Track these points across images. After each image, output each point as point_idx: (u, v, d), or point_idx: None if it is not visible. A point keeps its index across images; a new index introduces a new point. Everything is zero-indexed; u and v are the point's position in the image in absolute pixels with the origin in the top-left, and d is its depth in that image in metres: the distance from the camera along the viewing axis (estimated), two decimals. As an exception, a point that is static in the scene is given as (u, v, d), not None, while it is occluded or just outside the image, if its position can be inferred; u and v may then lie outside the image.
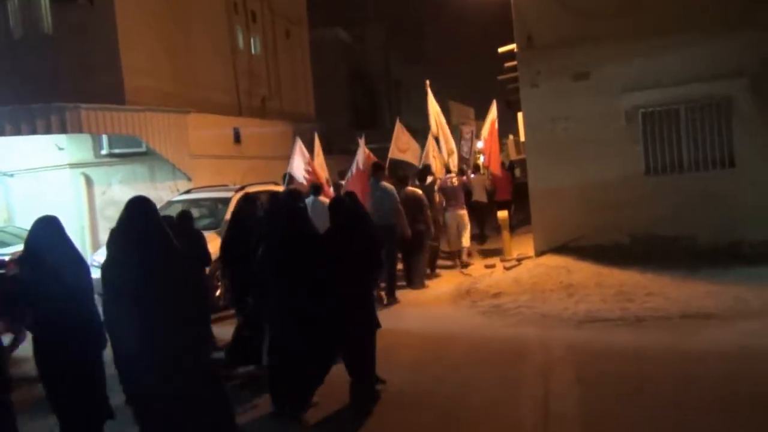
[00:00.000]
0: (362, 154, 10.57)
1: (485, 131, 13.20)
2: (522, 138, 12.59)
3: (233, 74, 19.00)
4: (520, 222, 14.99)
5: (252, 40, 20.69)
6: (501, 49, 11.85)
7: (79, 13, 14.17)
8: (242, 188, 11.00)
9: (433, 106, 12.65)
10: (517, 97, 14.80)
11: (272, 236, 5.15)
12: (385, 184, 9.72)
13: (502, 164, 15.69)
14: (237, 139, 16.48)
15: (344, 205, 5.54)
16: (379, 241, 5.62)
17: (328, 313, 5.02)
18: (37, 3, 13.93)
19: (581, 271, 9.34)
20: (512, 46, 11.23)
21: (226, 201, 10.64)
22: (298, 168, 11.33)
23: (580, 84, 10.09)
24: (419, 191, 10.41)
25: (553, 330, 7.18)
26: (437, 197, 11.52)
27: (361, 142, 10.81)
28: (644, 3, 9.92)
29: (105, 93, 13.37)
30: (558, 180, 10.13)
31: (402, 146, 12.64)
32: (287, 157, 18.23)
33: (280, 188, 11.10)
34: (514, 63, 11.39)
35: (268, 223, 5.49)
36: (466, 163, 13.13)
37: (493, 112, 13.34)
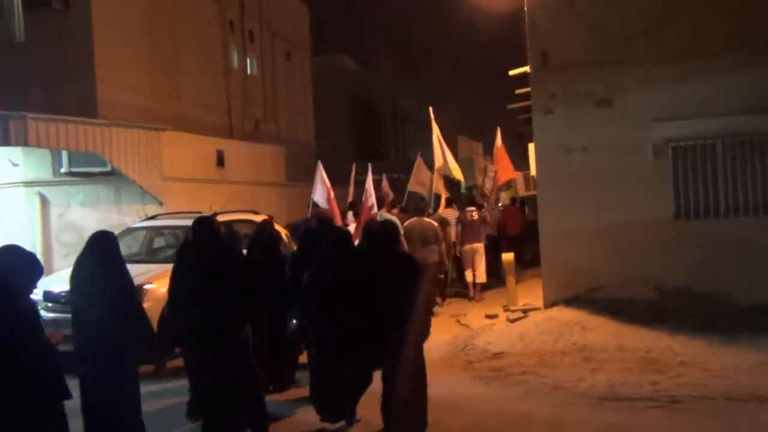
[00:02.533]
0: (371, 185, 10.92)
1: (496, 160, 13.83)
2: (533, 171, 11.39)
3: (225, 94, 18.36)
4: (527, 263, 14.33)
5: (248, 61, 20.16)
6: (513, 72, 11.24)
7: (53, 20, 13.40)
8: (214, 216, 9.72)
9: (436, 131, 13.16)
10: (528, 129, 14.09)
11: (320, 260, 5.60)
12: (386, 214, 10.04)
13: (512, 200, 15.83)
14: (220, 161, 15.59)
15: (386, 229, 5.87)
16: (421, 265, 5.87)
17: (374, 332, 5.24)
18: (10, 8, 12.92)
19: (599, 329, 8.25)
20: (525, 69, 10.42)
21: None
22: (321, 194, 11.77)
23: (602, 111, 9.21)
24: (435, 222, 10.76)
25: (567, 408, 5.95)
26: (455, 229, 12.07)
27: (369, 173, 11.24)
28: (678, 21, 9.04)
29: (76, 105, 12.56)
30: (573, 220, 9.29)
31: (421, 180, 13.91)
32: (278, 184, 18.46)
33: (260, 217, 10.34)
34: (526, 90, 10.62)
35: (307, 248, 6.24)
36: (486, 200, 13.57)
37: (498, 139, 13.85)
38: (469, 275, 12.24)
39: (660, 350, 7.33)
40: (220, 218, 9.80)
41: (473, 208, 12.40)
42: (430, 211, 12.45)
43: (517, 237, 14.66)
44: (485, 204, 13.18)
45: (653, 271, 8.86)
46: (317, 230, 6.63)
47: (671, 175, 9.03)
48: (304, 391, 6.11)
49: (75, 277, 5.04)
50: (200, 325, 5.12)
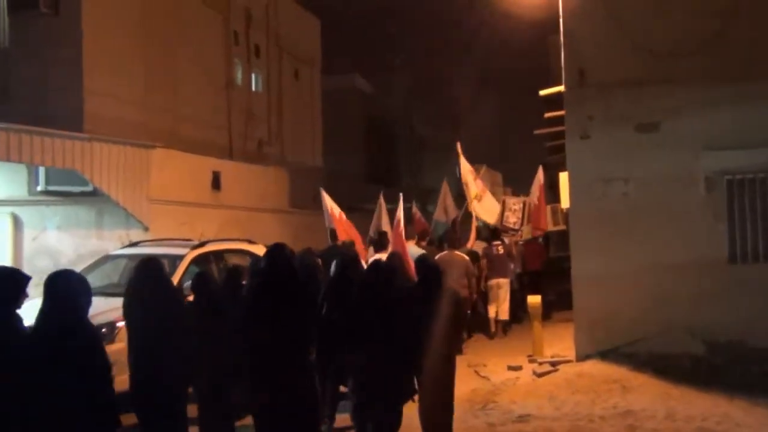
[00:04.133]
0: (401, 213, 10.86)
1: (534, 197, 14.45)
2: (563, 204, 11.03)
3: (226, 111, 18.30)
4: (551, 305, 14.26)
5: (253, 76, 20.13)
6: (544, 92, 10.83)
7: (40, 24, 13.28)
8: (202, 245, 9.75)
9: (465, 167, 13.49)
10: (556, 158, 13.90)
11: (363, 292, 5.83)
12: (414, 247, 10.49)
13: (544, 235, 15.95)
14: (216, 184, 15.24)
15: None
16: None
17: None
18: (-5, 11, 12.67)
19: (642, 390, 7.70)
20: (558, 89, 10.06)
21: (175, 260, 9.07)
22: (329, 221, 12.03)
23: (647, 137, 8.88)
24: (466, 257, 10.97)
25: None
26: (481, 263, 12.38)
27: (400, 201, 11.24)
28: (734, 37, 8.64)
29: (61, 117, 12.39)
30: (610, 261, 8.90)
31: (447, 209, 14.20)
32: (281, 211, 18.15)
33: (256, 248, 10.18)
34: (558, 113, 10.36)
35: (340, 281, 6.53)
36: (511, 234, 14.01)
37: (539, 176, 14.53)
38: (492, 311, 12.50)
39: (717, 419, 6.68)
40: (210, 247, 9.77)
41: (499, 243, 12.81)
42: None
43: (538, 273, 14.77)
44: (507, 239, 13.49)
45: (703, 322, 8.50)
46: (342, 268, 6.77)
47: (725, 212, 8.70)
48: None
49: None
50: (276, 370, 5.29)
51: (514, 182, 36.46)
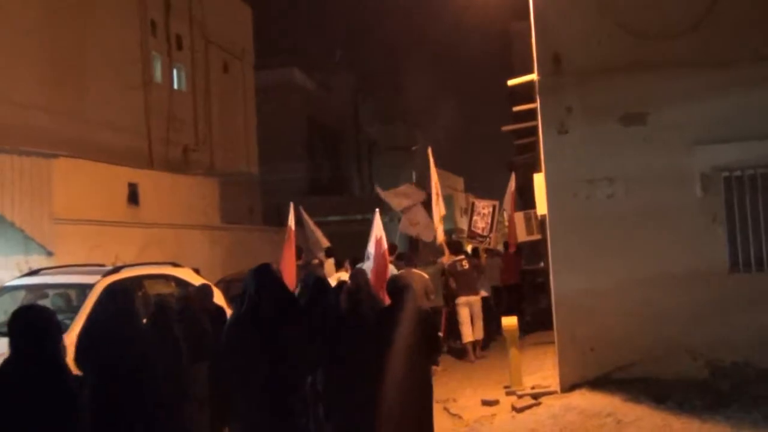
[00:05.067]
0: (379, 229, 10.98)
1: (507, 204, 14.81)
2: (539, 210, 11.53)
3: (144, 113, 18.48)
4: (527, 326, 14.55)
5: (175, 72, 20.30)
6: (512, 81, 10.84)
7: None
8: (116, 270, 9.61)
9: (435, 176, 13.66)
10: (526, 158, 14.15)
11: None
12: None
13: (505, 244, 16.53)
14: (133, 198, 15.41)
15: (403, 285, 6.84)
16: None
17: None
18: None
19: (639, 423, 7.47)
20: (528, 77, 10.17)
21: (84, 289, 8.94)
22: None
23: (633, 130, 8.90)
24: (425, 274, 11.18)
25: None
26: (448, 281, 12.82)
27: (377, 215, 11.46)
28: (729, 16, 8.68)
29: None
30: (596, 274, 8.93)
31: (413, 219, 14.17)
32: (211, 227, 18.11)
33: (183, 272, 10.28)
34: (528, 106, 10.77)
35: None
36: (479, 242, 14.34)
37: (511, 184, 14.77)
38: (467, 334, 12.74)
39: (728, 455, 6.45)
40: (126, 273, 9.52)
41: (461, 257, 13.04)
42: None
43: (517, 286, 15.31)
44: (480, 248, 14.00)
45: (704, 341, 8.51)
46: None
47: (724, 213, 8.72)
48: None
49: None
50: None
51: (477, 189, 36.72)
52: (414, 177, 37.16)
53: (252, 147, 24.15)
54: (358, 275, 7.77)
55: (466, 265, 12.87)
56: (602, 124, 8.95)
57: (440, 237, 13.86)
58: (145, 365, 5.56)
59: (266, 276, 5.73)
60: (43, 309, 4.50)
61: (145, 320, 6.67)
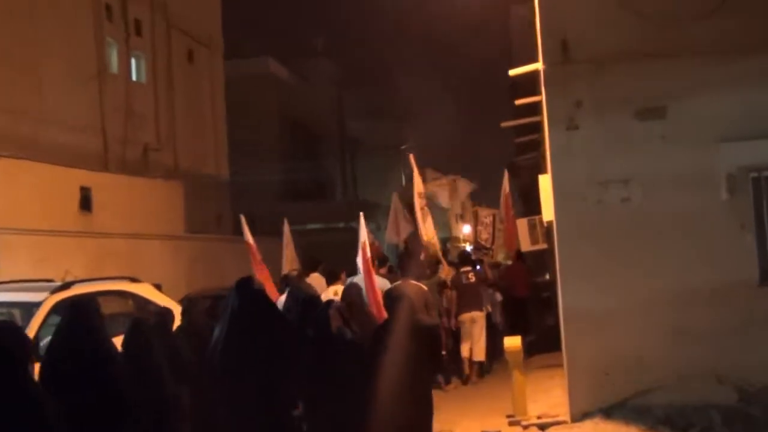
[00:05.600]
0: (364, 236, 11.13)
1: (502, 209, 14.95)
2: (545, 216, 11.44)
3: (98, 108, 18.45)
4: (531, 346, 14.82)
5: (133, 62, 20.37)
6: (514, 71, 10.97)
7: None
8: (66, 287, 9.71)
9: (419, 185, 13.87)
10: (530, 158, 14.30)
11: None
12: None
13: (518, 254, 16.84)
14: (85, 204, 15.49)
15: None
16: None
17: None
18: None
19: None
20: (533, 66, 10.31)
21: (30, 308, 9.08)
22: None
23: (651, 126, 9.00)
24: (423, 286, 11.24)
25: None
26: (449, 295, 13.09)
27: (361, 220, 11.63)
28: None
29: None
30: (610, 288, 9.03)
31: (399, 228, 14.67)
32: (174, 237, 18.23)
33: (142, 288, 10.48)
34: (531, 99, 10.99)
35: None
36: (484, 253, 14.65)
37: (505, 185, 14.98)
38: (465, 350, 13.07)
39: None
40: (77, 290, 9.57)
41: (468, 268, 13.36)
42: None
43: (524, 300, 15.78)
44: (483, 259, 14.24)
45: (733, 362, 8.61)
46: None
47: (753, 219, 8.80)
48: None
49: None
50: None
51: (477, 194, 36.89)
52: (403, 179, 37.23)
53: (221, 146, 24.19)
54: (349, 290, 8.03)
55: (472, 278, 13.14)
56: (616, 119, 9.04)
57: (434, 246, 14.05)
58: (120, 406, 5.57)
59: (249, 291, 6.03)
60: (12, 327, 4.71)
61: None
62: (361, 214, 11.91)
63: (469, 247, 30.87)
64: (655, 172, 8.91)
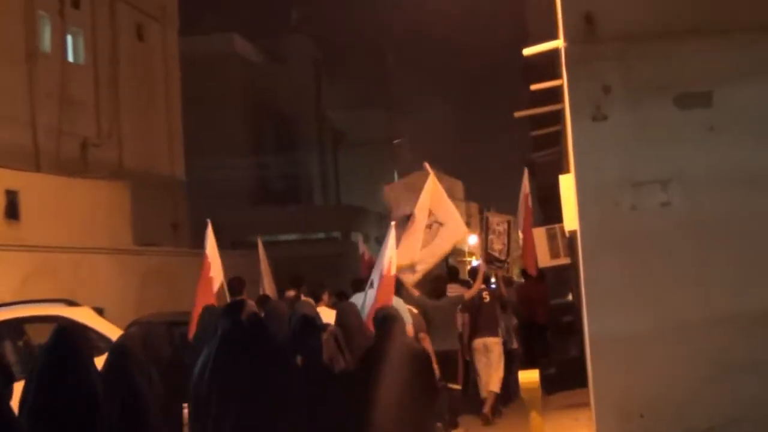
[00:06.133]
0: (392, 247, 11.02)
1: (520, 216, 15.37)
2: (567, 224, 11.62)
3: (27, 95, 18.46)
4: (549, 379, 14.96)
5: (70, 40, 20.41)
6: (529, 50, 11.07)
7: None
8: None
9: (436, 199, 13.61)
10: (546, 155, 14.41)
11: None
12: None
13: (524, 272, 17.21)
14: (12, 211, 15.54)
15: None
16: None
17: None
18: None
19: None
20: (551, 44, 10.42)
21: None
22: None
23: (694, 115, 8.99)
24: (414, 309, 11.45)
25: None
26: (460, 319, 13.22)
27: (391, 231, 11.30)
28: None
29: None
30: (647, 311, 8.99)
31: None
32: (120, 251, 18.18)
33: (80, 312, 10.59)
34: (550, 83, 11.26)
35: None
36: (498, 267, 14.77)
37: (524, 185, 15.28)
38: (485, 385, 13.30)
39: None
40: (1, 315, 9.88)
41: (482, 286, 13.45)
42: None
43: (542, 327, 16.06)
44: (495, 275, 14.48)
45: None
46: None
47: None
48: None
49: None
50: None
51: (481, 196, 36.70)
52: (396, 178, 37.25)
53: (176, 140, 24.17)
54: (346, 312, 8.09)
55: (487, 297, 13.38)
56: (652, 107, 9.01)
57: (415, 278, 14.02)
58: None
59: (239, 315, 6.63)
60: None
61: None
62: (393, 223, 11.82)
63: (475, 262, 30.95)
64: (699, 170, 8.87)
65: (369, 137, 39.34)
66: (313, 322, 8.10)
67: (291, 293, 13.95)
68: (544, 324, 16.45)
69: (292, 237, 29.67)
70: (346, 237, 32.04)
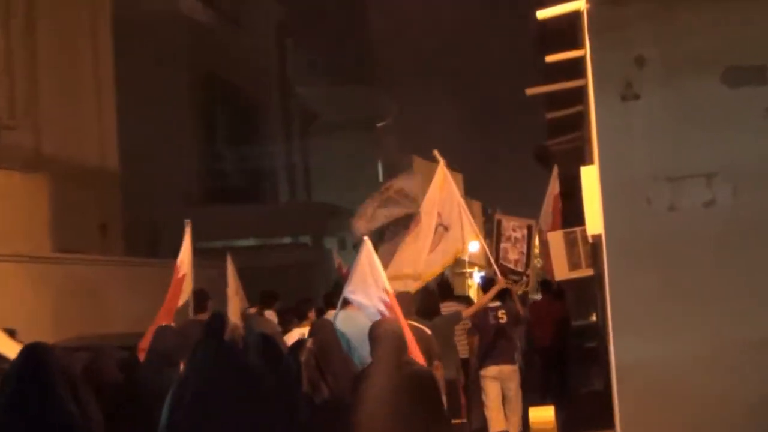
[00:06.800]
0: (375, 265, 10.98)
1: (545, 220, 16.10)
2: (590, 227, 11.56)
3: None
4: (570, 420, 15.08)
5: None
6: (544, 12, 10.97)
7: None
8: None
9: (447, 191, 14.22)
10: (563, 142, 14.53)
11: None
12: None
13: (543, 284, 17.78)
14: None
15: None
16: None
17: None
18: None
19: None
20: (571, 5, 10.30)
21: None
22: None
23: (747, 94, 9.07)
24: (426, 329, 11.46)
25: None
26: (467, 341, 14.00)
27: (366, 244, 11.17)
28: None
29: None
30: (686, 338, 9.07)
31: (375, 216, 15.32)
32: (35, 259, 17.95)
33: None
34: (570, 54, 11.46)
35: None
36: (514, 281, 14.98)
37: (554, 185, 16.03)
38: (495, 423, 13.35)
39: None
40: None
41: (497, 303, 13.67)
42: None
43: (558, 352, 16.54)
44: (511, 288, 14.54)
45: None
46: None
47: None
48: None
49: None
50: None
51: (482, 191, 36.69)
52: (380, 170, 37.16)
53: (108, 123, 24.16)
54: (321, 330, 8.50)
55: (503, 317, 13.54)
56: (695, 85, 9.08)
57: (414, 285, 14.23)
58: None
59: (218, 335, 7.04)
60: None
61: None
62: (366, 239, 11.65)
63: (479, 275, 31.03)
64: (752, 161, 8.96)
65: (346, 119, 39.27)
66: (275, 343, 8.58)
67: (252, 310, 14.30)
68: (562, 350, 16.67)
69: (251, 243, 29.67)
70: (317, 242, 32.03)
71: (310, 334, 8.88)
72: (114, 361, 9.26)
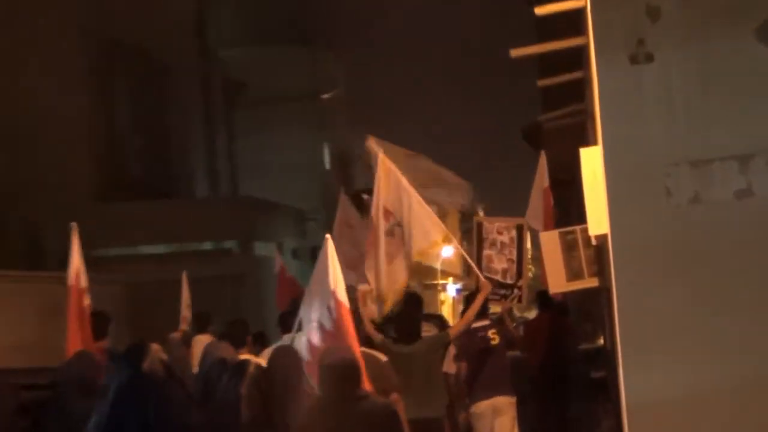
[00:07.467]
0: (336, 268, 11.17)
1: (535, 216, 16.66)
2: (592, 227, 11.83)
3: None
4: None
5: None
6: None
7: None
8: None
9: (390, 191, 14.59)
10: (559, 116, 14.71)
11: None
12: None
13: (540, 294, 18.15)
14: None
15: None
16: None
17: None
18: None
19: None
20: None
21: None
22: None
23: None
24: (379, 356, 11.94)
25: None
26: (452, 367, 14.40)
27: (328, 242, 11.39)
28: None
29: None
30: (716, 362, 9.13)
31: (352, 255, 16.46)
32: None
33: None
34: (565, 5, 11.66)
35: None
36: (502, 296, 15.67)
37: (542, 176, 16.55)
38: None
39: None
40: None
41: (486, 322, 14.40)
42: None
43: (557, 381, 16.87)
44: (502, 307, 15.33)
45: None
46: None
47: None
48: None
49: None
50: None
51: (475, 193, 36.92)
52: (326, 155, 37.26)
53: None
54: (281, 356, 9.11)
55: (495, 338, 13.98)
56: (723, 44, 9.16)
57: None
58: None
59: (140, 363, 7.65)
60: None
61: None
62: (327, 236, 11.79)
63: (454, 287, 31.01)
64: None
65: (283, 90, 39.24)
66: (241, 368, 9.23)
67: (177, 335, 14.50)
68: (564, 380, 16.87)
69: (159, 250, 29.64)
70: (246, 248, 32.02)
71: (270, 361, 9.23)
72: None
